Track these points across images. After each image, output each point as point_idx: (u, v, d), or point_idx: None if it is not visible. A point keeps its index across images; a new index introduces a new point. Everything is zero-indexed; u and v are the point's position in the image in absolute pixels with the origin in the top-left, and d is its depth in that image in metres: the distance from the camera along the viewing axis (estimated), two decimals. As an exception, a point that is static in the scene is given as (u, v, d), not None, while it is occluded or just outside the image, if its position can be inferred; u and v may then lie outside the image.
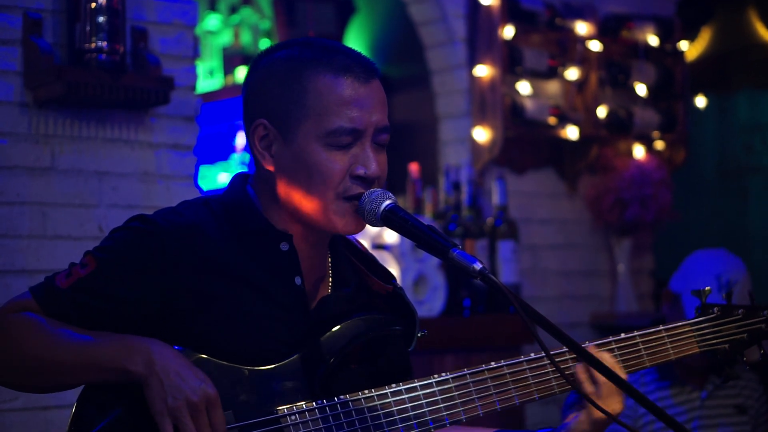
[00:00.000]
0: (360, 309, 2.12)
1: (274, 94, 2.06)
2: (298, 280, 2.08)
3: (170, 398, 1.89)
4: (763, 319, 2.34)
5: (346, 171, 2.03)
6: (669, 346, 2.29)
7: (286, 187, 2.06)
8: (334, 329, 2.06)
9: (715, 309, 2.34)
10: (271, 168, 2.07)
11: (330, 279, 2.17)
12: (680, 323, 2.31)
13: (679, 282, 3.60)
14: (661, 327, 2.28)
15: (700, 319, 2.33)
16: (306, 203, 2.05)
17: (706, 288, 2.34)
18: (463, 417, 2.10)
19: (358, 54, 2.09)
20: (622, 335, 2.25)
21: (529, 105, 4.74)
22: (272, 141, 2.06)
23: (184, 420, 1.89)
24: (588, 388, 2.14)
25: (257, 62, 2.13)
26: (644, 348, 2.26)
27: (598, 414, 2.11)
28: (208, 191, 5.49)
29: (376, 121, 2.04)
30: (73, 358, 1.96)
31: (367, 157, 2.03)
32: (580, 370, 2.15)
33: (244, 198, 2.11)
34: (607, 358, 2.17)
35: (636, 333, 2.26)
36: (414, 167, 4.55)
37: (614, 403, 2.13)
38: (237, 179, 2.17)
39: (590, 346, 2.18)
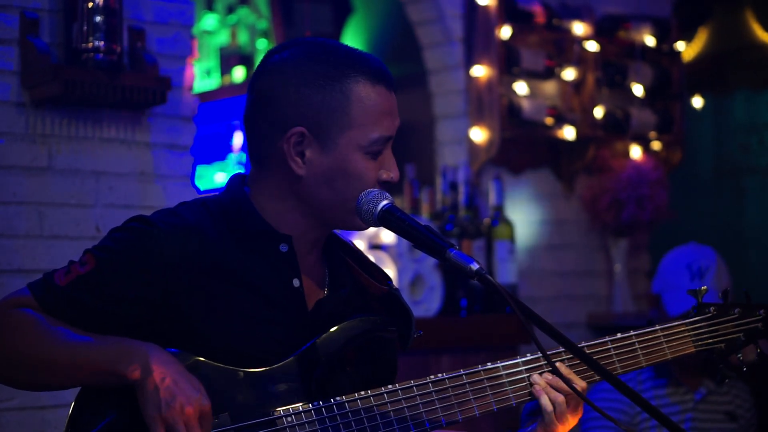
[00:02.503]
0: (356, 310, 2.13)
1: (313, 100, 2.05)
2: (296, 282, 2.09)
3: (164, 405, 1.89)
4: (760, 318, 2.35)
5: (377, 177, 2.08)
6: (665, 345, 2.29)
7: (316, 191, 2.07)
8: (330, 331, 2.06)
9: (711, 308, 2.34)
10: (301, 173, 2.07)
11: (327, 280, 2.17)
12: (676, 323, 2.31)
13: (657, 282, 3.71)
14: (657, 327, 2.29)
15: (696, 318, 2.33)
16: (341, 207, 2.08)
17: (702, 288, 2.35)
18: (460, 418, 2.11)
19: (378, 58, 2.14)
20: (618, 335, 2.25)
21: (526, 105, 4.75)
22: (306, 147, 2.06)
23: (177, 428, 1.89)
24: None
25: (269, 63, 2.10)
26: (640, 348, 2.26)
27: (553, 429, 2.16)
28: (206, 191, 5.49)
29: (397, 125, 2.13)
30: (69, 359, 1.96)
31: (392, 163, 2.11)
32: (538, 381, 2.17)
33: (243, 199, 2.11)
34: (563, 368, 2.17)
35: (632, 333, 2.26)
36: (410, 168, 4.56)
37: (576, 416, 2.18)
38: (234, 180, 2.17)
39: (535, 376, 2.19)
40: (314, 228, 2.11)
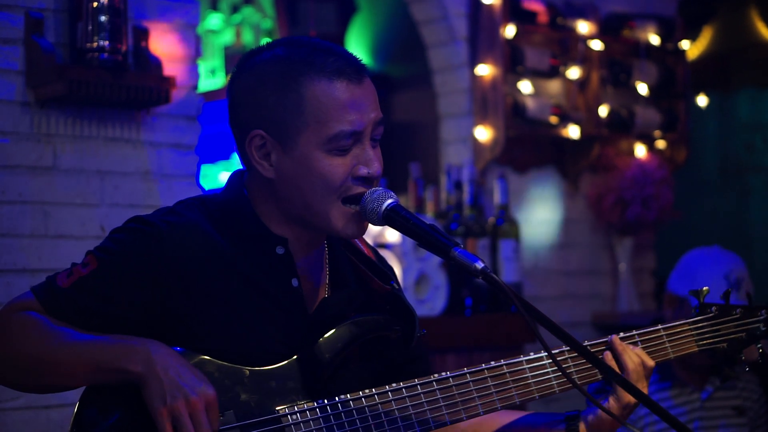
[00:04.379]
0: (359, 309, 2.13)
1: (269, 102, 2.04)
2: (294, 282, 2.08)
3: (169, 397, 1.90)
4: (761, 319, 2.35)
5: (348, 173, 2.03)
6: (668, 345, 2.29)
7: (288, 193, 2.06)
8: (333, 330, 2.06)
9: (713, 308, 2.34)
10: (270, 176, 2.07)
11: (328, 279, 2.17)
12: (678, 322, 2.32)
13: (684, 284, 3.56)
14: (660, 326, 2.29)
15: (699, 318, 2.34)
16: (309, 208, 2.05)
17: (704, 288, 2.35)
18: (464, 416, 2.11)
19: (347, 53, 2.08)
20: (621, 334, 2.25)
21: (530, 104, 4.74)
22: (270, 150, 2.05)
23: (182, 419, 1.90)
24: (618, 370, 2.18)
25: (243, 65, 2.10)
26: (643, 347, 2.26)
27: (628, 398, 2.14)
28: (209, 190, 5.49)
29: (372, 118, 2.05)
30: (73, 359, 1.97)
31: (369, 157, 2.04)
32: (608, 357, 2.19)
33: (241, 200, 2.11)
34: (631, 349, 2.21)
35: (635, 332, 2.26)
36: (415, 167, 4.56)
37: (641, 388, 2.17)
38: (234, 178, 2.16)
39: (615, 338, 2.22)
40: (303, 230, 2.10)
